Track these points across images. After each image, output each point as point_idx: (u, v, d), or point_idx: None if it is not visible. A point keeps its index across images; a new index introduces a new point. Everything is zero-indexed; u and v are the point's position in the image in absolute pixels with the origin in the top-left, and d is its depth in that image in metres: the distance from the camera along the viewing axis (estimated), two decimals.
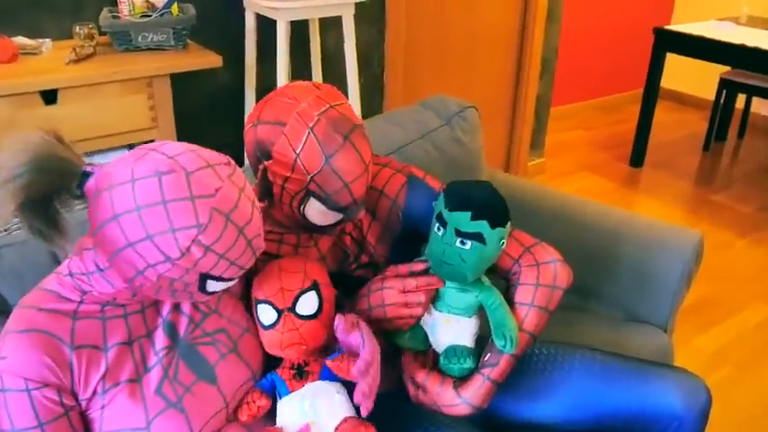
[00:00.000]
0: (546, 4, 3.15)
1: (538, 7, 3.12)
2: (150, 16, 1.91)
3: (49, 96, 1.73)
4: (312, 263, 1.03)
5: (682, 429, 1.09)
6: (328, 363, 0.96)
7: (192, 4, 2.13)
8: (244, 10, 2.28)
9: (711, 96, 4.51)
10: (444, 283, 1.07)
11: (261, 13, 2.15)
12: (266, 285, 0.98)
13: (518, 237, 1.16)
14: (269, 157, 0.99)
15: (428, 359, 1.12)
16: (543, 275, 1.10)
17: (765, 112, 4.50)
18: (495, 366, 1.04)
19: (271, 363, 1.01)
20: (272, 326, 0.96)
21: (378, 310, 1.06)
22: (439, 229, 1.03)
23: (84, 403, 0.86)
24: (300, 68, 2.54)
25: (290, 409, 0.93)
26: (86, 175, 0.81)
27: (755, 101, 4.40)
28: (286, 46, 2.06)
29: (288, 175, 0.98)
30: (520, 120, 3.37)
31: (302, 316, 0.96)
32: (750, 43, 3.25)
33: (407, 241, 1.20)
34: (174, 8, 1.94)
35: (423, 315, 1.07)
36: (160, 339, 0.91)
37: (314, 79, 2.49)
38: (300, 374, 0.96)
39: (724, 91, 3.93)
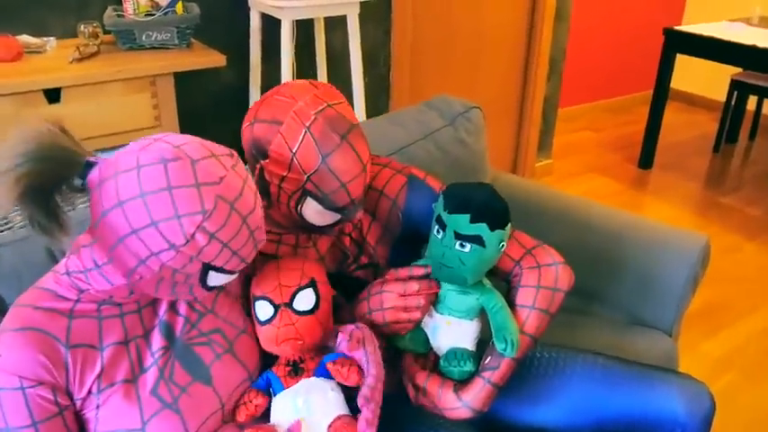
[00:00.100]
0: (554, 4, 3.13)
1: (546, 7, 3.10)
2: (154, 15, 1.91)
3: (53, 95, 1.73)
4: (311, 262, 1.03)
5: None
6: (328, 365, 0.96)
7: (197, 3, 2.13)
8: (249, 9, 2.28)
9: (722, 98, 4.48)
10: (441, 286, 1.06)
11: (266, 12, 2.14)
12: (264, 283, 0.99)
13: (519, 238, 1.14)
14: (265, 156, 0.98)
15: (428, 362, 1.11)
16: (544, 278, 1.09)
17: None
18: (496, 370, 1.04)
19: (267, 364, 1.01)
20: (269, 321, 0.96)
21: (377, 313, 1.05)
22: (438, 231, 1.02)
23: (78, 403, 0.85)
24: (306, 68, 2.54)
25: (283, 405, 0.93)
26: (89, 165, 0.81)
27: (767, 103, 4.36)
28: (290, 45, 2.05)
29: (284, 174, 0.97)
30: (527, 120, 3.35)
31: (299, 311, 0.96)
32: (762, 44, 3.21)
33: (407, 242, 1.19)
34: (179, 7, 1.94)
35: (421, 319, 1.06)
36: (156, 340, 0.91)
37: (319, 79, 2.49)
38: (296, 371, 0.96)
39: (735, 92, 3.89)
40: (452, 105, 1.73)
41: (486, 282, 1.08)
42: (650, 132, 3.70)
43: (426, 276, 1.07)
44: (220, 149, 0.82)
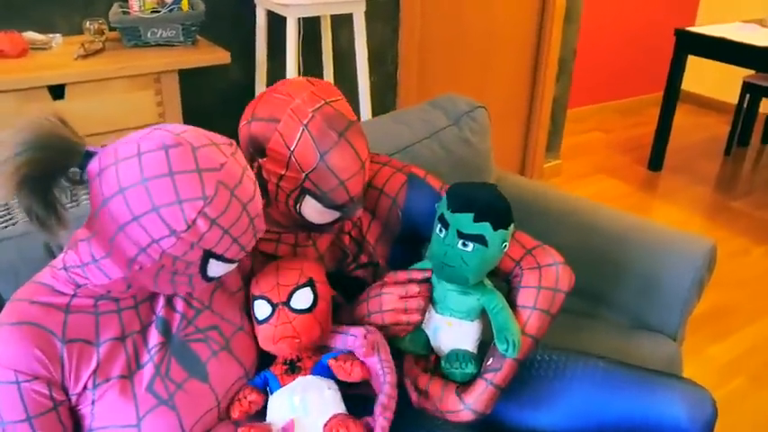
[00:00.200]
0: (564, 4, 3.11)
1: (555, 7, 3.08)
2: (160, 12, 1.91)
3: (57, 91, 1.73)
4: (310, 262, 1.03)
5: None
6: (330, 362, 0.96)
7: (203, 0, 2.13)
8: (255, 6, 2.27)
9: (734, 100, 4.44)
10: (441, 287, 1.05)
11: (271, 9, 2.14)
12: (263, 282, 0.99)
13: (519, 238, 1.14)
14: (263, 154, 0.98)
15: (429, 363, 1.11)
16: (545, 278, 1.08)
17: None
18: (499, 371, 1.03)
19: (265, 364, 1.00)
20: (266, 320, 0.96)
21: (376, 315, 1.05)
22: (441, 230, 1.01)
23: (74, 398, 0.85)
24: (312, 66, 2.53)
25: (279, 403, 0.93)
26: (88, 155, 0.80)
27: None
28: (295, 43, 2.05)
29: (282, 172, 0.97)
30: (536, 121, 3.33)
31: (296, 310, 0.96)
32: None
33: (407, 241, 1.19)
34: (184, 4, 1.94)
35: (421, 322, 1.05)
36: (153, 336, 0.91)
37: (325, 77, 2.48)
38: (292, 369, 0.96)
39: (747, 95, 3.85)
40: (457, 104, 1.72)
41: (488, 282, 1.08)
42: (660, 134, 3.67)
43: (426, 280, 1.06)
44: (220, 138, 0.83)
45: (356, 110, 2.69)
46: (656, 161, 3.72)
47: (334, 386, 0.96)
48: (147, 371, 0.88)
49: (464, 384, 1.05)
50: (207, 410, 0.91)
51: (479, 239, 0.98)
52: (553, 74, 3.25)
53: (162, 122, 1.89)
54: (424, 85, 2.92)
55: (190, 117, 2.27)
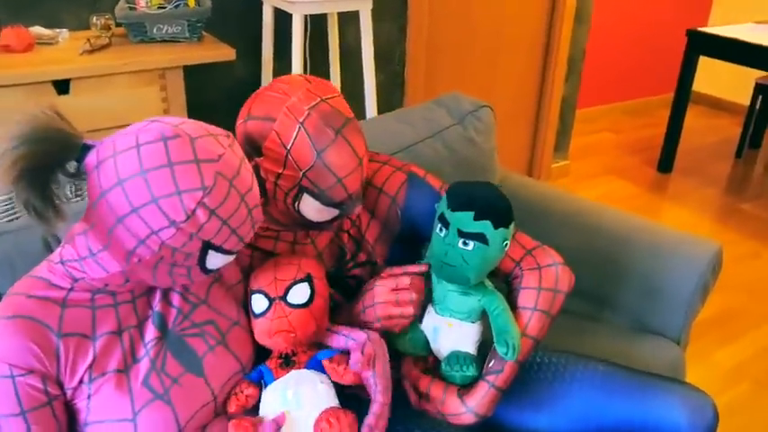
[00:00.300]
0: (574, 4, 3.08)
1: (566, 7, 3.06)
2: (166, 8, 1.91)
3: (62, 86, 1.74)
4: (309, 259, 1.03)
5: None
6: (324, 362, 0.95)
7: None
8: (261, 3, 2.27)
9: (746, 101, 4.39)
10: (441, 286, 1.04)
11: (278, 6, 2.13)
12: (261, 277, 1.00)
13: (519, 239, 1.13)
14: (260, 153, 0.97)
15: (428, 365, 1.10)
16: (545, 279, 1.07)
17: None
18: (500, 373, 1.02)
19: (261, 359, 1.00)
20: (263, 313, 0.97)
21: (369, 309, 1.04)
22: (441, 229, 1.00)
23: (69, 392, 0.85)
24: (319, 63, 2.53)
25: (273, 397, 0.93)
26: (86, 148, 0.80)
27: None
28: (301, 40, 2.04)
29: (280, 171, 0.96)
30: (544, 121, 3.31)
31: (292, 304, 0.96)
32: None
33: (406, 241, 1.18)
34: (191, 0, 1.94)
35: (415, 317, 1.04)
36: (149, 330, 0.91)
37: (332, 75, 2.48)
38: (287, 363, 0.96)
39: (759, 96, 3.81)
40: (462, 103, 1.71)
41: (488, 283, 1.07)
42: (671, 135, 3.64)
43: (420, 274, 1.05)
44: (217, 130, 0.84)
45: (362, 108, 2.68)
46: (665, 163, 3.69)
47: (328, 381, 0.96)
48: (143, 365, 0.88)
49: (464, 387, 1.04)
50: (203, 405, 0.91)
51: (480, 238, 0.98)
52: (562, 74, 3.23)
53: None
54: (432, 83, 2.90)
55: (195, 113, 2.28)
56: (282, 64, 2.44)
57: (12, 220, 1.51)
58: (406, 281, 1.03)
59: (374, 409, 0.92)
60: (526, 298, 1.06)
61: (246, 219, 0.83)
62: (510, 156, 3.34)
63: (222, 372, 0.94)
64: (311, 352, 0.98)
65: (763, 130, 4.05)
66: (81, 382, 0.85)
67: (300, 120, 0.93)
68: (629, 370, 1.13)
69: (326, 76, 2.55)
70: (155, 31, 1.92)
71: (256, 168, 0.99)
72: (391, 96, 2.79)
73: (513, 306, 1.07)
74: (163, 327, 0.92)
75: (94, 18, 1.95)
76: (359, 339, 0.98)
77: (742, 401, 2.07)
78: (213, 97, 2.37)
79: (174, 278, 0.85)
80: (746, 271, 2.80)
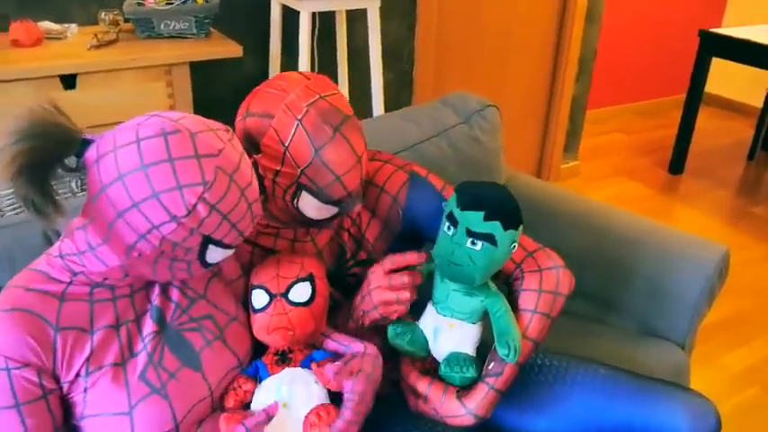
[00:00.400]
0: (585, 3, 3.06)
1: (577, 6, 3.03)
2: (174, 4, 1.91)
3: (69, 81, 1.74)
4: (312, 259, 1.02)
5: None
6: (313, 365, 0.95)
7: None
8: (270, 0, 2.27)
9: (759, 103, 4.34)
10: (445, 286, 1.03)
11: (286, 3, 2.13)
12: (263, 272, 0.99)
13: (521, 241, 1.12)
14: (258, 150, 0.97)
15: (426, 366, 1.09)
16: (546, 281, 1.06)
17: None
18: (500, 375, 1.01)
19: (259, 354, 1.00)
20: (263, 309, 0.96)
21: (366, 297, 1.03)
22: (449, 228, 0.99)
23: (66, 386, 0.85)
24: (327, 61, 2.52)
25: (266, 392, 0.93)
26: (86, 143, 0.80)
27: None
28: (308, 37, 2.04)
29: (278, 168, 0.96)
30: (554, 121, 3.29)
31: (293, 302, 0.96)
32: None
33: (407, 241, 1.17)
34: None
35: (411, 299, 1.02)
36: (147, 324, 0.91)
37: (339, 73, 2.47)
38: (283, 360, 0.95)
39: None
40: (468, 103, 1.69)
41: (492, 285, 1.06)
42: (682, 137, 3.61)
43: (418, 267, 1.04)
44: (216, 124, 0.84)
45: (369, 107, 2.68)
46: (677, 164, 3.66)
47: None
48: (141, 359, 0.88)
49: (463, 388, 1.03)
50: (199, 400, 0.91)
51: (489, 238, 0.97)
52: (573, 73, 3.21)
53: None
54: (441, 82, 2.89)
55: (203, 109, 2.28)
56: (290, 61, 2.44)
57: (18, 213, 1.51)
58: (399, 260, 1.02)
59: (337, 424, 0.90)
60: (527, 300, 1.05)
61: (246, 213, 0.83)
62: (519, 155, 3.32)
63: (219, 367, 0.94)
64: (307, 351, 0.98)
65: None
66: (78, 375, 0.85)
67: (299, 117, 0.93)
68: (631, 374, 1.12)
69: (334, 74, 2.55)
70: (162, 26, 1.92)
71: (255, 165, 0.98)
72: (400, 95, 2.78)
73: (514, 308, 1.06)
74: (161, 321, 0.92)
75: (103, 13, 1.96)
76: (355, 351, 0.97)
77: (750, 406, 2.05)
78: (221, 93, 2.37)
79: (173, 272, 0.85)
80: (757, 275, 2.77)
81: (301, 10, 2.01)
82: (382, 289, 1.01)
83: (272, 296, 0.96)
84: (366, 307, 1.04)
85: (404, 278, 1.01)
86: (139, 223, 0.77)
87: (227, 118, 2.41)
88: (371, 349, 0.97)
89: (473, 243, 0.97)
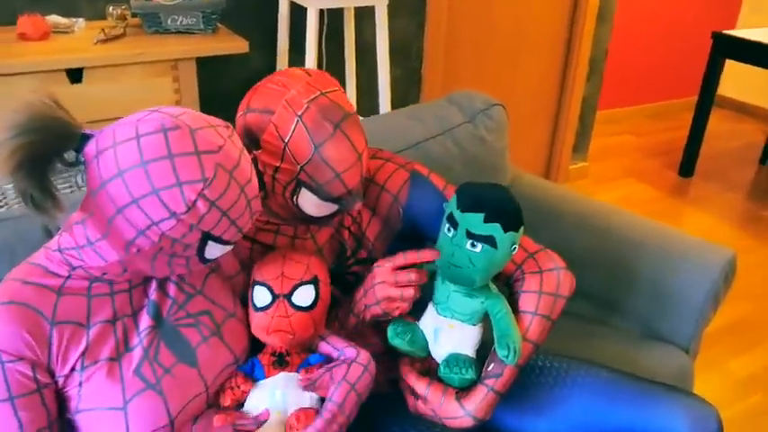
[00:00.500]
0: (597, 3, 3.04)
1: (588, 6, 3.01)
2: None
3: (75, 75, 1.74)
4: (317, 260, 1.01)
5: None
6: (301, 372, 0.95)
7: None
8: None
9: None
10: (445, 287, 1.03)
11: (294, 0, 2.13)
12: (267, 269, 0.98)
13: (522, 241, 1.11)
14: (258, 146, 0.96)
15: (425, 366, 1.08)
16: (546, 283, 1.05)
17: None
18: (499, 377, 1.00)
19: (256, 351, 1.00)
20: (264, 308, 0.95)
21: (370, 291, 1.03)
22: (449, 229, 0.98)
23: (61, 380, 0.85)
24: (336, 58, 2.52)
25: (260, 394, 0.93)
26: (86, 138, 0.80)
27: None
28: (315, 34, 2.03)
29: (277, 164, 0.95)
30: (563, 121, 3.27)
31: (296, 306, 0.95)
32: None
33: (407, 240, 1.16)
34: None
35: (415, 296, 1.01)
36: (144, 320, 0.91)
37: (347, 70, 2.46)
38: (280, 363, 0.95)
39: None
40: (474, 101, 1.68)
41: (493, 286, 1.05)
42: (693, 139, 3.57)
43: (421, 265, 1.03)
44: (216, 121, 0.83)
45: (376, 104, 2.67)
46: (687, 167, 3.63)
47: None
48: (136, 354, 0.88)
49: (462, 390, 1.02)
50: (195, 396, 0.91)
51: (489, 240, 0.96)
52: (583, 74, 3.18)
53: None
54: (450, 81, 2.88)
55: (209, 104, 2.28)
56: (298, 57, 2.43)
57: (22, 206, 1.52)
58: (404, 259, 1.01)
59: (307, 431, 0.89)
60: (527, 302, 1.04)
61: (246, 210, 0.82)
62: (528, 155, 3.30)
63: (215, 363, 0.94)
64: (304, 355, 0.97)
65: None
66: (73, 369, 0.85)
67: (299, 113, 0.92)
68: (633, 377, 1.11)
69: (342, 70, 2.54)
70: (169, 22, 1.92)
71: (255, 161, 0.98)
72: (408, 92, 2.77)
73: (514, 309, 1.05)
74: (157, 316, 0.92)
75: (111, 8, 1.96)
76: (347, 356, 0.97)
77: (755, 412, 2.03)
78: (229, 88, 2.37)
79: (172, 268, 0.85)
80: (766, 279, 2.74)
81: (309, 6, 2.00)
82: (387, 285, 1.01)
83: (274, 296, 0.95)
84: (369, 301, 1.03)
85: (410, 275, 1.00)
86: (139, 219, 0.77)
87: (234, 114, 2.41)
88: (362, 357, 0.96)
89: (473, 245, 0.96)
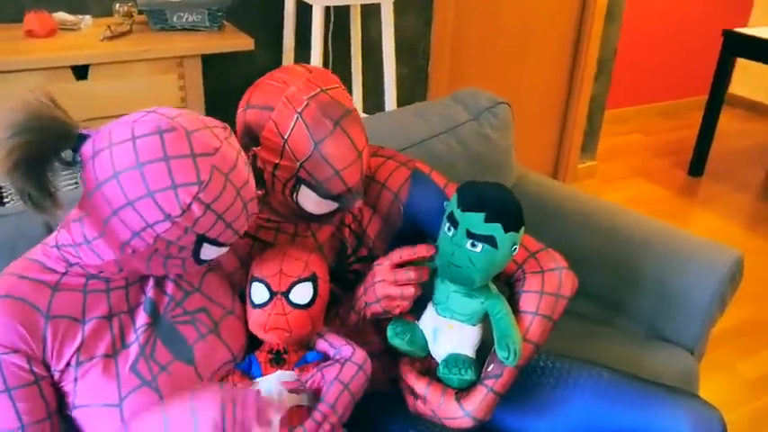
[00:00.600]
0: (605, 2, 3.01)
1: (596, 4, 2.99)
2: None
3: (81, 72, 1.75)
4: (316, 257, 1.01)
5: None
6: (296, 371, 0.95)
7: None
8: None
9: None
10: (445, 287, 1.02)
11: None
12: (266, 266, 0.98)
13: (523, 241, 1.10)
14: (258, 142, 0.96)
15: (424, 366, 1.07)
16: (548, 283, 1.04)
17: None
18: (499, 378, 1.00)
19: (253, 347, 0.99)
20: (262, 305, 0.95)
21: (370, 289, 1.02)
22: (449, 229, 0.98)
23: (56, 375, 0.85)
24: (342, 56, 2.51)
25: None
26: (82, 138, 0.80)
27: None
28: (321, 31, 2.03)
29: (277, 161, 0.95)
30: (571, 120, 3.25)
31: (293, 304, 0.95)
32: None
33: (407, 238, 1.15)
34: None
35: (416, 294, 1.01)
36: (141, 317, 0.91)
37: (353, 68, 2.46)
38: (277, 360, 0.94)
39: None
40: (479, 99, 1.67)
41: (493, 287, 1.04)
42: (703, 138, 3.54)
43: (421, 262, 1.03)
44: (213, 122, 0.83)
45: (382, 102, 2.66)
46: (696, 166, 3.60)
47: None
48: (133, 351, 0.88)
49: (462, 390, 1.02)
50: None
51: (489, 240, 0.95)
52: (591, 73, 3.16)
53: (184, 107, 1.89)
54: (456, 79, 2.87)
55: (215, 101, 2.28)
56: (304, 54, 2.43)
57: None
58: (405, 254, 1.01)
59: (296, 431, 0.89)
60: (528, 302, 1.03)
61: (242, 213, 0.82)
62: (536, 155, 3.29)
63: (213, 361, 0.94)
64: (302, 352, 0.97)
65: None
66: (68, 365, 0.85)
67: (299, 109, 0.92)
68: (635, 378, 1.10)
69: (348, 68, 2.54)
70: (175, 19, 1.92)
71: (254, 158, 0.97)
72: (414, 90, 2.76)
73: (515, 309, 1.04)
74: (154, 313, 0.92)
75: (117, 5, 1.97)
76: (343, 355, 0.96)
77: (763, 415, 2.01)
78: (235, 85, 2.37)
79: (167, 268, 0.85)
80: None
81: (314, 4, 2.00)
82: (387, 283, 1.00)
83: (272, 293, 0.95)
84: (369, 299, 1.02)
85: (409, 273, 0.99)
86: (134, 221, 0.77)
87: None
88: (358, 356, 0.96)
89: (473, 245, 0.95)
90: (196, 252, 0.83)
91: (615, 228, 1.55)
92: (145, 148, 0.76)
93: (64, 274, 0.87)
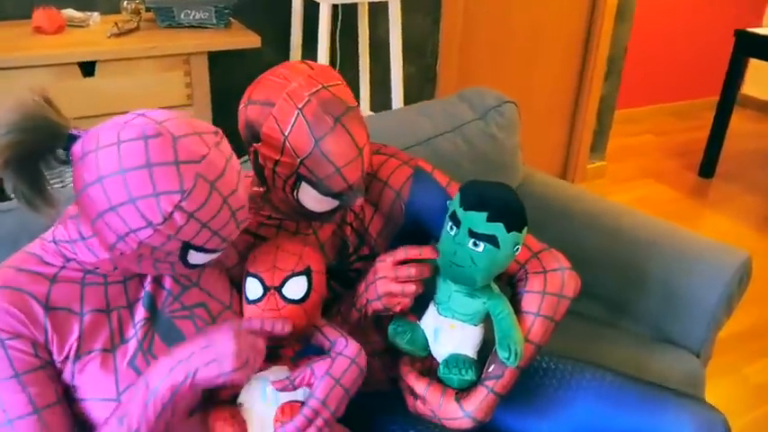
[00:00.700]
0: (615, 1, 2.99)
1: (607, 4, 2.97)
2: None
3: (88, 68, 1.75)
4: (311, 249, 1.00)
5: None
6: (290, 365, 0.94)
7: None
8: None
9: None
10: (447, 286, 1.01)
11: None
12: (260, 261, 0.97)
13: (526, 241, 1.09)
14: (258, 138, 0.95)
15: (425, 366, 1.07)
16: (550, 283, 1.03)
17: None
18: (500, 378, 0.99)
19: None
20: (255, 301, 0.95)
21: (371, 286, 1.02)
22: (452, 228, 0.97)
23: (58, 365, 0.85)
24: (349, 54, 2.51)
25: (253, 388, 0.92)
26: (73, 138, 0.80)
27: None
28: (327, 29, 2.02)
29: (277, 158, 0.94)
30: (581, 120, 3.23)
31: (287, 299, 0.94)
32: None
33: (409, 237, 1.15)
34: None
35: (417, 292, 1.00)
36: (139, 311, 0.91)
37: (361, 66, 2.46)
38: (273, 356, 0.94)
39: None
40: (485, 98, 1.66)
41: (495, 287, 1.03)
42: (714, 139, 3.51)
43: (422, 261, 1.02)
44: (204, 127, 0.81)
45: (389, 100, 2.66)
46: (707, 167, 3.57)
47: None
48: (131, 345, 0.88)
49: (462, 391, 1.01)
50: None
51: (491, 240, 0.94)
52: (601, 73, 3.14)
53: (190, 104, 1.89)
54: (465, 78, 2.86)
55: (221, 99, 2.28)
56: (311, 52, 2.43)
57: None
58: (407, 253, 1.00)
59: (287, 427, 0.88)
60: (530, 302, 1.02)
61: (230, 220, 0.81)
62: (545, 154, 3.27)
63: None
64: (297, 346, 0.96)
65: None
66: (67, 357, 0.85)
67: (299, 106, 0.91)
68: (639, 381, 1.09)
69: (356, 66, 2.54)
70: (182, 16, 1.92)
71: (255, 155, 0.97)
72: (422, 89, 2.76)
73: (517, 310, 1.03)
74: (152, 308, 0.92)
75: (125, 2, 1.98)
76: (337, 349, 0.95)
77: None
78: (241, 83, 2.36)
79: (158, 270, 0.85)
80: None
81: (321, 2, 2.00)
82: (388, 280, 0.99)
83: (266, 288, 0.94)
84: (370, 296, 1.02)
85: (411, 270, 0.99)
86: (118, 225, 0.77)
87: None
88: (350, 349, 0.94)
89: (475, 244, 0.95)
90: (183, 257, 0.82)
91: (621, 228, 1.54)
92: (128, 153, 0.75)
93: (62, 267, 0.87)
